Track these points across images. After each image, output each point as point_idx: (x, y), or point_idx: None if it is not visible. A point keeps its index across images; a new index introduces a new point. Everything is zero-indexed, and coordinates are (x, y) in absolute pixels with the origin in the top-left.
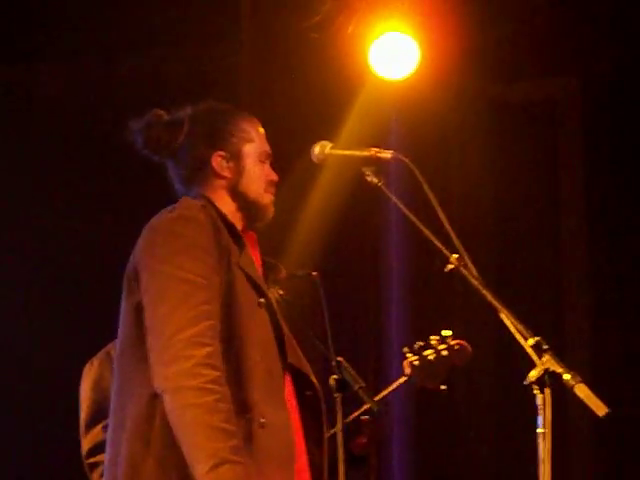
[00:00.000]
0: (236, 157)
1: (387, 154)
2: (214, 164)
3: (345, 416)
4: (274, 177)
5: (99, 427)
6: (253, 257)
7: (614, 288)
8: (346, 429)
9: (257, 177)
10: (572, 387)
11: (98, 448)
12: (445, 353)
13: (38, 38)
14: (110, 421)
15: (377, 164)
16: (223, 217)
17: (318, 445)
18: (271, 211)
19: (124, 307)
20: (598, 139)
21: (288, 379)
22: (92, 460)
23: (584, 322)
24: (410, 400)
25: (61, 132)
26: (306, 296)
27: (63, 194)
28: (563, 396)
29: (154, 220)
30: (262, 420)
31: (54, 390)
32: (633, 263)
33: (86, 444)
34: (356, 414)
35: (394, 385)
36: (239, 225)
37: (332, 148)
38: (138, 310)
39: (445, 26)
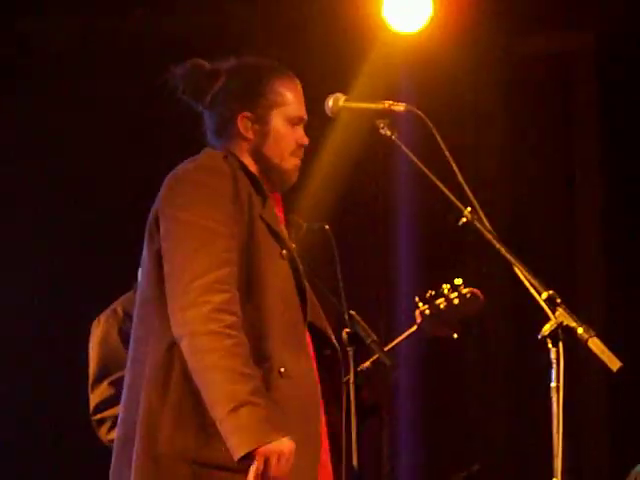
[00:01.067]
0: (262, 120)
1: (400, 106)
2: (239, 124)
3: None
4: (304, 141)
5: (106, 383)
6: (274, 210)
7: (629, 242)
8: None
9: (283, 141)
10: (586, 341)
11: (106, 403)
12: (457, 301)
13: None
14: (128, 371)
15: (390, 117)
16: (246, 169)
17: (335, 404)
18: (294, 176)
19: (145, 255)
20: (613, 95)
21: (307, 336)
22: (99, 416)
23: (598, 278)
24: (420, 350)
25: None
26: (318, 249)
27: (73, 151)
28: (577, 350)
29: (176, 169)
30: (282, 369)
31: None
32: None
33: (93, 400)
34: (367, 364)
35: (405, 334)
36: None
37: (346, 101)
38: (159, 258)
39: None
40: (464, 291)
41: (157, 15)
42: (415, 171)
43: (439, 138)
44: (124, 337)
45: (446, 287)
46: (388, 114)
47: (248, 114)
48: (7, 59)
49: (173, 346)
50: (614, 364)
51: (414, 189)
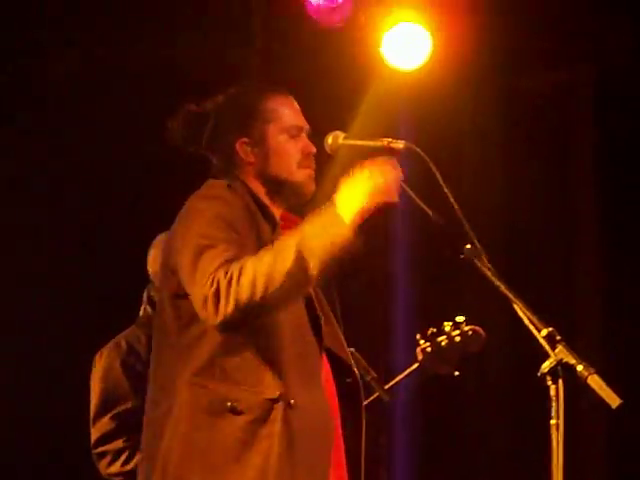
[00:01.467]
0: (260, 140)
1: (399, 144)
2: (239, 151)
3: None
4: (309, 149)
5: (107, 417)
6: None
7: (626, 278)
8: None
9: (286, 155)
10: (585, 378)
11: (107, 437)
12: (458, 339)
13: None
14: (148, 411)
15: (390, 154)
16: (255, 197)
17: (356, 433)
18: (308, 187)
19: (160, 298)
20: (610, 130)
21: (326, 364)
22: (101, 449)
23: (596, 312)
24: (421, 388)
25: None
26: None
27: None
28: (577, 387)
29: (183, 208)
30: (292, 401)
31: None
32: None
33: (95, 433)
34: (394, 381)
35: (406, 372)
36: (277, 208)
37: (345, 138)
38: (174, 299)
39: (457, 16)
40: (466, 328)
41: (157, 48)
42: (414, 208)
43: (438, 176)
44: (126, 370)
45: (448, 324)
46: (387, 151)
47: (245, 139)
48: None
49: (194, 384)
50: (613, 401)
51: (413, 225)
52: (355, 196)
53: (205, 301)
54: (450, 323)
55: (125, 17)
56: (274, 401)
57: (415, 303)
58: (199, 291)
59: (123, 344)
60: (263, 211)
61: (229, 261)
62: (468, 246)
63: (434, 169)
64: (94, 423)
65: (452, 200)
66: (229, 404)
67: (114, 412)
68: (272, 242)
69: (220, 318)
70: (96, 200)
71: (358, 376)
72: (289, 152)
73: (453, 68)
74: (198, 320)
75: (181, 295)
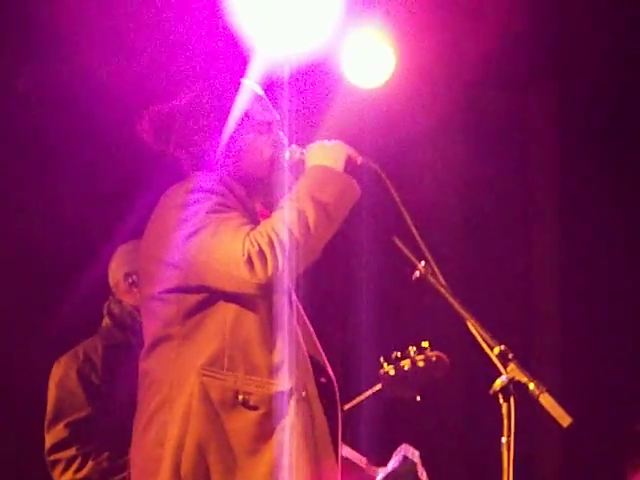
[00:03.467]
0: (229, 139)
1: (358, 159)
2: (208, 152)
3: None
4: (280, 143)
5: (62, 424)
6: None
7: (584, 296)
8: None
9: (257, 153)
10: (537, 396)
11: (60, 445)
12: (422, 364)
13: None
14: (145, 406)
15: (349, 168)
16: (233, 192)
17: (334, 428)
18: (276, 181)
19: (144, 300)
20: (573, 148)
21: None
22: (54, 457)
23: (554, 331)
24: (380, 410)
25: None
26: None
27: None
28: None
29: (165, 199)
30: (303, 393)
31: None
32: (601, 271)
33: (49, 440)
34: (354, 403)
35: (367, 394)
36: (254, 203)
37: (302, 154)
38: (171, 293)
39: (420, 34)
40: (430, 354)
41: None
42: (374, 226)
43: (394, 193)
44: (82, 380)
45: (412, 349)
46: (347, 165)
47: (215, 138)
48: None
49: (197, 375)
50: (564, 420)
51: (373, 244)
52: (326, 152)
53: (249, 261)
54: (414, 348)
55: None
56: (286, 394)
57: (376, 322)
58: (237, 255)
59: (80, 354)
60: (243, 205)
61: (253, 228)
62: (423, 263)
63: (390, 186)
64: (48, 430)
65: (407, 217)
66: (241, 397)
67: (68, 420)
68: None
69: (270, 272)
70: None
71: (332, 377)
72: (258, 149)
73: (415, 86)
74: (201, 310)
75: (182, 288)
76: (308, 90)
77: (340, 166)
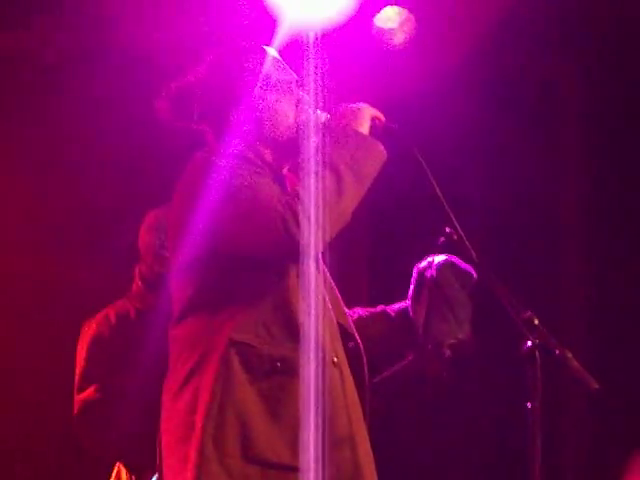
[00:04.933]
0: (251, 104)
1: (382, 122)
2: (233, 119)
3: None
4: (302, 100)
5: (92, 388)
6: None
7: (614, 266)
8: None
9: (281, 114)
10: (563, 362)
11: (90, 408)
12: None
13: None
14: (176, 377)
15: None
16: (262, 159)
17: (362, 395)
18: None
19: (174, 268)
20: (598, 124)
21: None
22: (83, 419)
23: (580, 294)
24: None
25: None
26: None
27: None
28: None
29: (192, 167)
30: (335, 359)
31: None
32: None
33: (77, 403)
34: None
35: (397, 367)
36: (284, 171)
37: (327, 117)
38: (202, 259)
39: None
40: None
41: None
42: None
43: (422, 160)
44: (113, 342)
45: None
46: (382, 129)
47: (236, 106)
48: None
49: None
50: (591, 385)
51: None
52: (351, 115)
53: (282, 224)
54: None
55: None
56: (320, 359)
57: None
58: (270, 217)
59: (112, 316)
60: (272, 170)
61: (284, 192)
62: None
63: (418, 154)
64: (78, 393)
65: (434, 183)
66: (277, 364)
67: (100, 383)
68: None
69: (302, 235)
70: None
71: (359, 340)
72: (282, 111)
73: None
74: (232, 277)
75: (212, 255)
76: (335, 52)
77: (366, 129)
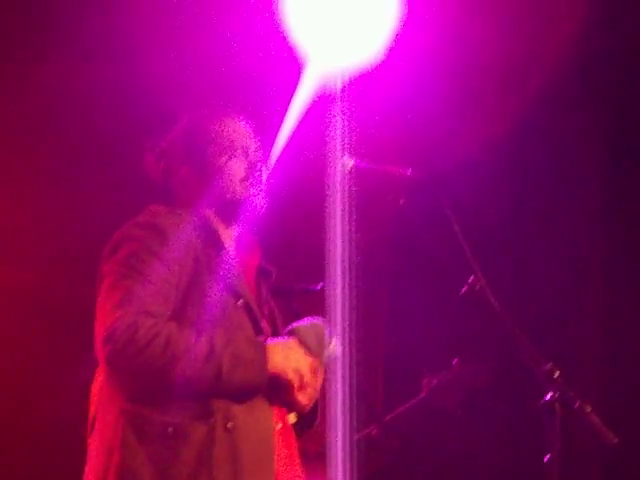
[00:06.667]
0: (203, 163)
1: (407, 171)
2: (185, 178)
3: None
4: (254, 165)
5: None
6: (234, 260)
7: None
8: None
9: (228, 174)
10: (583, 415)
11: None
12: (464, 375)
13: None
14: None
15: (397, 179)
16: (204, 222)
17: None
18: (256, 201)
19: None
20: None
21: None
22: None
23: (595, 345)
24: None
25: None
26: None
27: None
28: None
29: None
30: (229, 425)
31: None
32: None
33: (89, 446)
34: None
35: (410, 404)
36: (232, 229)
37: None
38: None
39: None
40: (470, 365)
41: None
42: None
43: (445, 203)
44: None
45: (455, 360)
46: (395, 177)
47: (190, 165)
48: None
49: (120, 414)
50: (610, 439)
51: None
52: (290, 362)
53: (109, 339)
54: (457, 359)
55: None
56: (212, 425)
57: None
58: (110, 324)
59: None
60: (210, 236)
61: (150, 313)
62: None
63: (441, 198)
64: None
65: (457, 231)
66: (170, 429)
67: None
68: (210, 268)
69: (112, 366)
70: None
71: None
72: (230, 171)
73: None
74: None
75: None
76: (361, 100)
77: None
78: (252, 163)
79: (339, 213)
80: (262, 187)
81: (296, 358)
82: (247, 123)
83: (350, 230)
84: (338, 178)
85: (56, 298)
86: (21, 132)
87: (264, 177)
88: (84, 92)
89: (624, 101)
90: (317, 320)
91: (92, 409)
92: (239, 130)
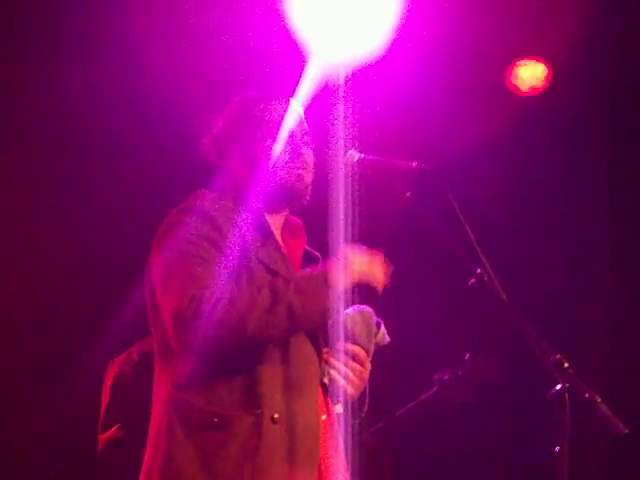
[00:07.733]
0: (250, 148)
1: (413, 164)
2: (233, 162)
3: None
4: (299, 151)
5: (115, 427)
6: (282, 245)
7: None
8: None
9: (273, 159)
10: (592, 407)
11: (113, 447)
12: (475, 370)
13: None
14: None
15: (403, 173)
16: (249, 207)
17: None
18: (299, 187)
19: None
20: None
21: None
22: (106, 457)
23: (602, 338)
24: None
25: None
26: None
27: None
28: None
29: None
30: (275, 416)
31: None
32: None
33: (101, 442)
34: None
35: (422, 398)
36: (277, 214)
37: (359, 158)
38: (154, 310)
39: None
40: (481, 360)
41: None
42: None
43: (451, 196)
44: (136, 382)
45: (466, 354)
46: (402, 171)
47: (238, 150)
48: None
49: (168, 401)
50: (620, 429)
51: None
52: (351, 270)
53: (176, 320)
54: (468, 353)
55: None
56: (258, 416)
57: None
58: (172, 307)
59: (134, 355)
60: (257, 221)
61: (207, 286)
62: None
63: (448, 191)
64: (102, 433)
65: (464, 223)
66: (216, 420)
67: (122, 422)
68: (257, 255)
69: (189, 345)
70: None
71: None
72: (275, 154)
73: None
74: None
75: (157, 306)
76: (364, 93)
77: (344, 283)
78: (296, 146)
79: (343, 206)
80: (307, 171)
81: (358, 261)
82: (295, 107)
83: (355, 223)
84: (342, 171)
85: (56, 298)
86: (21, 132)
87: (310, 161)
88: (84, 92)
89: (629, 100)
90: (365, 308)
91: (103, 407)
92: (286, 114)
